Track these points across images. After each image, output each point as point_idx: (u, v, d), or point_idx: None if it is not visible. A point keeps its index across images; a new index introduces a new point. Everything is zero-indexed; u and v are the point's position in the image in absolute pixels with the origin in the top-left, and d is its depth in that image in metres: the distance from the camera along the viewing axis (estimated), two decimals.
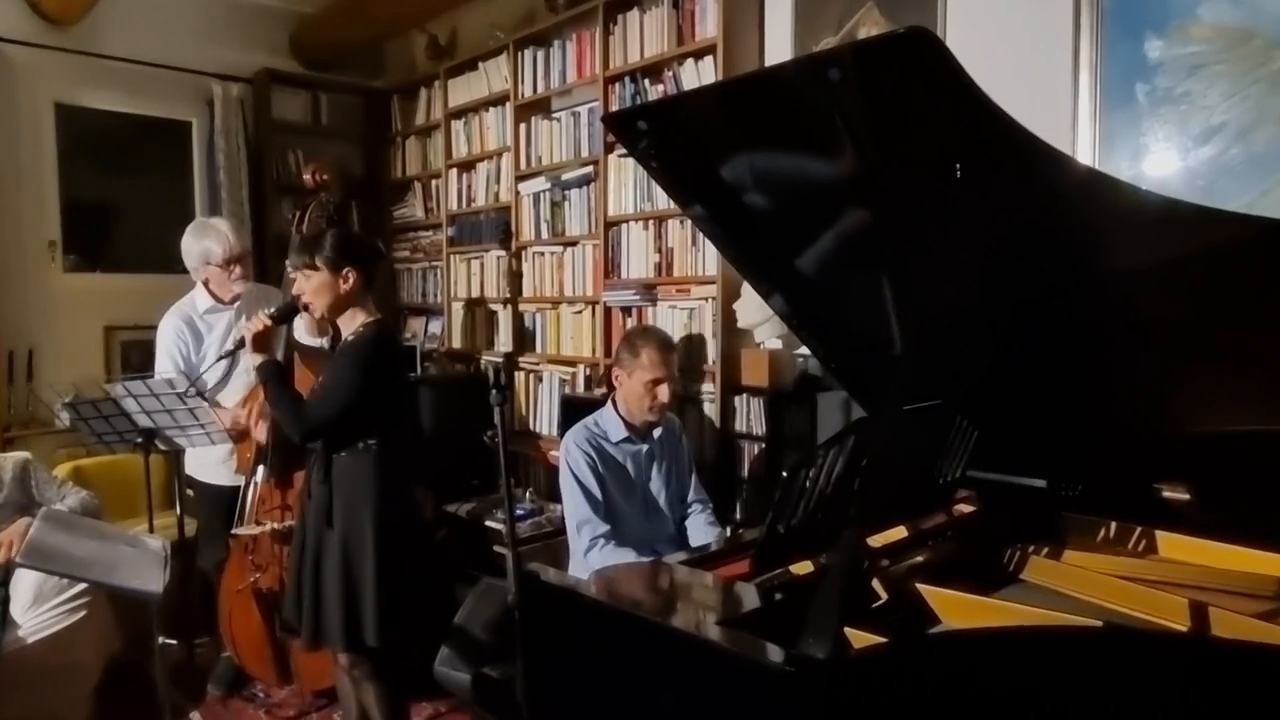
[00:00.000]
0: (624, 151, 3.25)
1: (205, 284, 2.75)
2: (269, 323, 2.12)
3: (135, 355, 3.97)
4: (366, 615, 2.03)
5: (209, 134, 4.32)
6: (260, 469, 2.55)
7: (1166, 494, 1.55)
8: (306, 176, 2.88)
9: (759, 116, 1.37)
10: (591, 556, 2.14)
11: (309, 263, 2.07)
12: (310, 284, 2.07)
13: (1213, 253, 1.16)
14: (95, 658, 2.47)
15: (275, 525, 2.51)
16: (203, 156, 4.37)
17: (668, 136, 1.45)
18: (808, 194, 1.53)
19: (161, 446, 2.49)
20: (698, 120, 1.46)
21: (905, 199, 1.38)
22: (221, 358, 2.41)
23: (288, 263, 2.14)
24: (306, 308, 2.09)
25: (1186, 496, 1.54)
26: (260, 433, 2.53)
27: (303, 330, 2.65)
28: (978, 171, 1.22)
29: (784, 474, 1.30)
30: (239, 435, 2.57)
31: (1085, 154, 2.21)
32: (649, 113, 1.50)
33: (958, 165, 1.24)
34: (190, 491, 2.81)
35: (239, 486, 2.64)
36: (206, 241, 2.70)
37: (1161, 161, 2.15)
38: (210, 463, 2.73)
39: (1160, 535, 1.60)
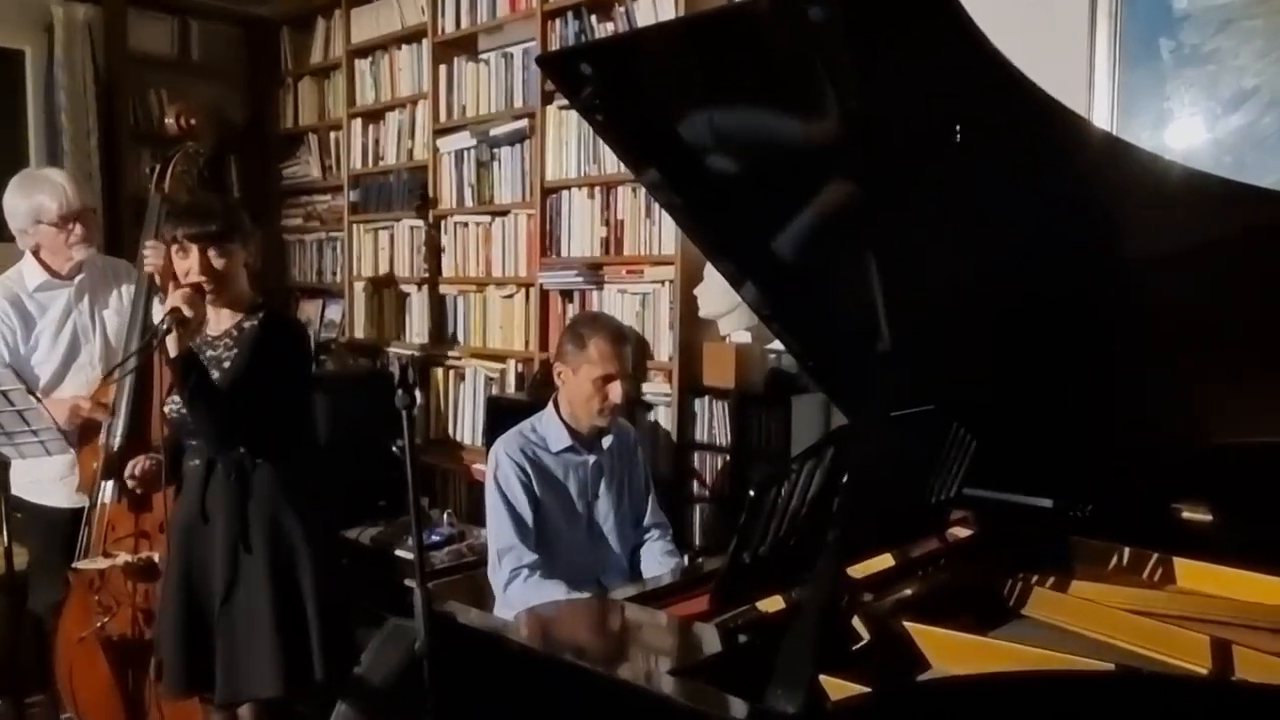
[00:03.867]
0: (565, 102, 3.24)
1: (36, 253, 2.66)
2: (198, 305, 2.02)
3: None
4: (312, 647, 2.04)
5: (47, 67, 4.16)
6: (107, 486, 2.48)
7: (1187, 515, 1.61)
8: (169, 120, 2.80)
9: (727, 62, 1.37)
10: (513, 590, 2.15)
11: (226, 234, 2.05)
12: (228, 262, 2.07)
13: (1244, 237, 1.20)
14: None
15: (129, 557, 2.44)
16: (39, 95, 4.21)
17: (617, 84, 1.45)
18: (784, 159, 1.54)
19: None
20: (653, 65, 1.46)
21: (897, 167, 1.41)
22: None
23: (179, 233, 2.05)
24: (206, 290, 2.04)
25: (1209, 518, 1.60)
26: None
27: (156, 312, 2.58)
28: (981, 135, 1.25)
29: (750, 493, 1.31)
30: (80, 435, 2.50)
31: (1102, 117, 2.27)
32: (594, 55, 1.51)
33: (958, 128, 1.26)
34: (19, 515, 2.71)
35: (81, 509, 2.56)
36: (38, 196, 2.61)
37: (1186, 130, 2.22)
38: (44, 479, 2.64)
39: (1180, 563, 1.65)
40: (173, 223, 2.10)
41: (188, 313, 1.96)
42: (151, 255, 2.42)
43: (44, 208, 2.61)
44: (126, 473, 2.42)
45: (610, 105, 1.48)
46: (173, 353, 1.95)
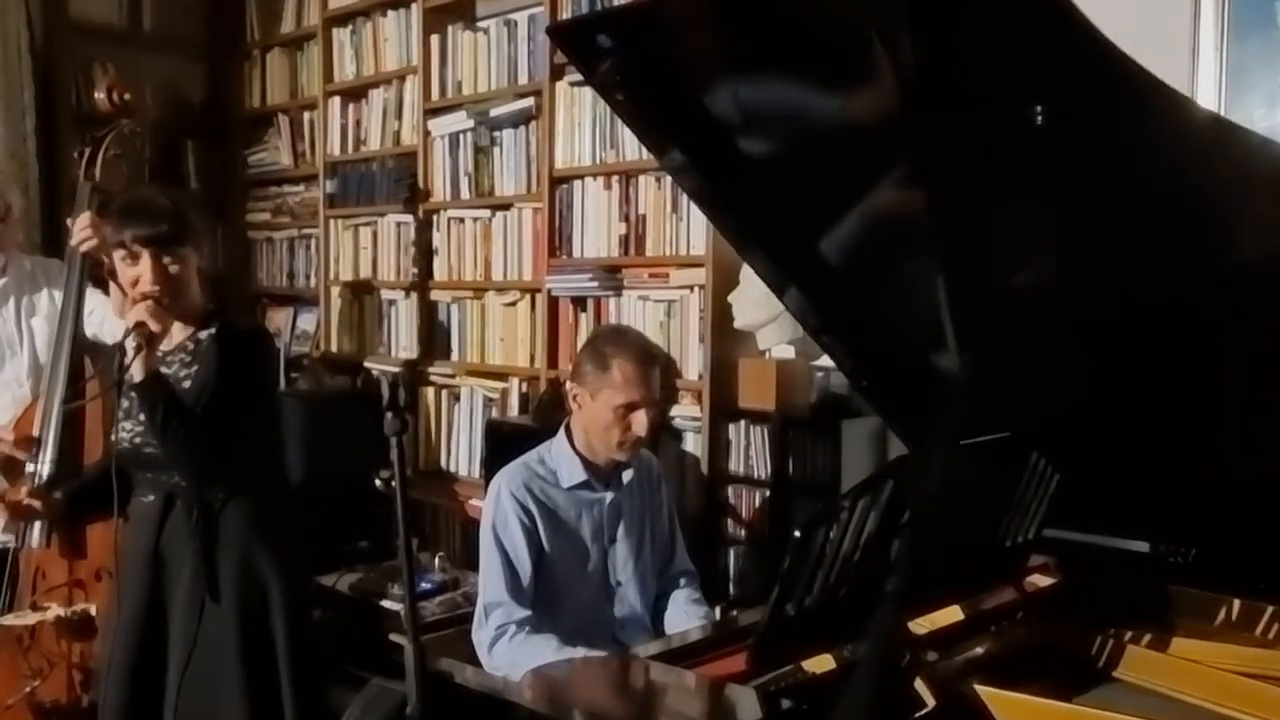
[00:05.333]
0: (578, 78, 3.27)
1: None
2: (163, 318, 2.03)
3: None
4: (284, 712, 2.07)
5: None
6: (35, 527, 2.51)
7: None
8: (99, 96, 2.83)
9: (768, 31, 1.39)
10: (498, 650, 2.17)
11: (179, 236, 2.06)
12: (184, 268, 2.08)
13: None
14: None
15: (61, 611, 2.46)
16: None
17: (641, 58, 1.47)
18: (833, 141, 1.56)
19: None
20: (683, 35, 1.48)
21: (967, 154, 1.42)
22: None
23: (126, 236, 2.04)
24: (163, 301, 2.03)
25: None
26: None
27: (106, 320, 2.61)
28: (1065, 117, 1.26)
29: (795, 534, 1.32)
30: (3, 467, 2.53)
31: (1207, 95, 2.28)
32: (615, 24, 1.53)
33: (1039, 109, 1.28)
34: None
35: (6, 550, 2.59)
36: None
37: None
38: None
39: None
40: (118, 223, 2.10)
41: (155, 328, 1.98)
42: (81, 231, 2.42)
43: None
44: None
45: (633, 82, 1.49)
46: (138, 376, 1.97)
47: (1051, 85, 1.26)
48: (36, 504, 2.34)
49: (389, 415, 1.37)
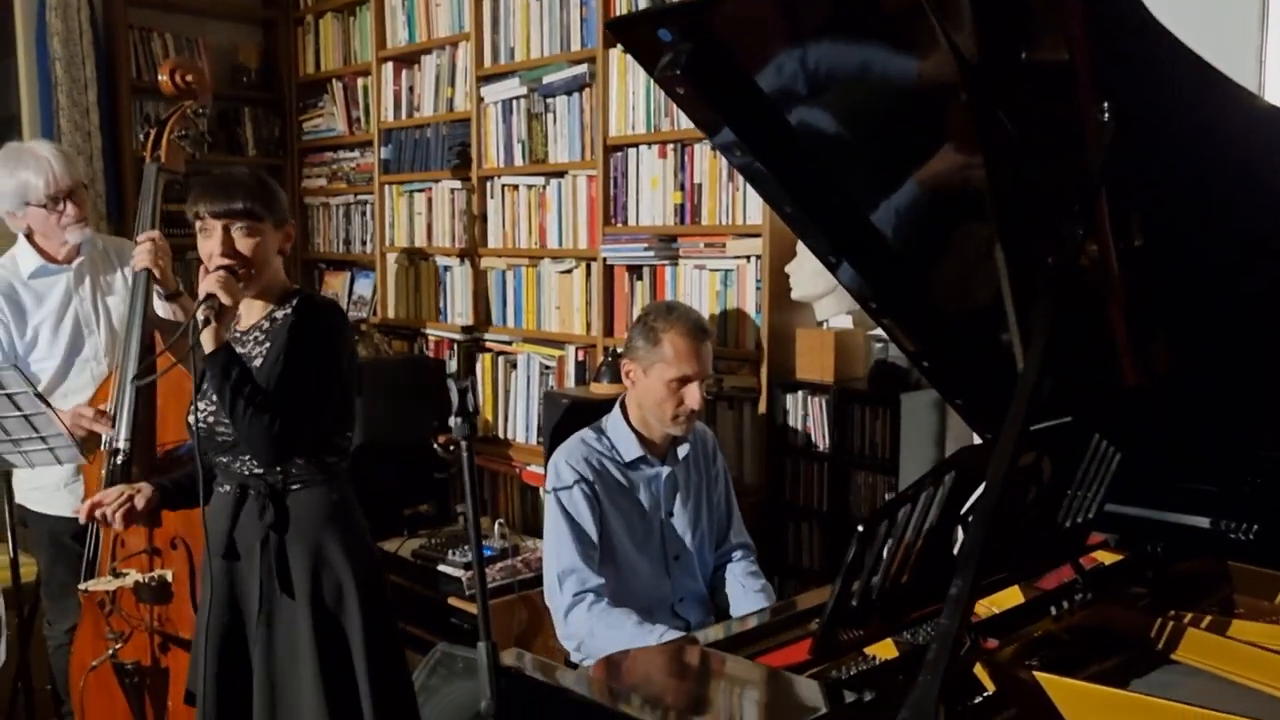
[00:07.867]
0: None
1: (29, 236, 2.78)
2: (235, 290, 2.03)
3: None
4: (361, 701, 2.11)
5: (39, 12, 4.32)
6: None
7: None
8: (163, 79, 2.87)
9: (828, 19, 1.41)
10: (575, 617, 2.22)
11: (253, 211, 2.07)
12: (258, 244, 2.08)
13: None
14: None
15: (139, 577, 2.55)
16: (30, 44, 4.37)
17: (703, 50, 1.48)
18: (895, 130, 1.58)
19: None
20: (743, 26, 1.50)
21: (1026, 141, 1.43)
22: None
23: (201, 209, 2.06)
24: (238, 274, 2.05)
25: None
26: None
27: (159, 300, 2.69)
28: (1130, 110, 1.27)
29: (859, 528, 1.35)
30: (83, 445, 2.62)
31: (1275, 88, 2.25)
32: (675, 15, 1.52)
33: (1105, 104, 1.29)
34: (25, 526, 2.87)
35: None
36: (23, 173, 2.70)
37: None
38: (47, 485, 2.78)
39: None
40: (194, 198, 2.11)
41: (225, 300, 1.99)
42: (142, 251, 2.48)
43: (30, 186, 2.70)
44: (111, 504, 2.26)
45: (695, 75, 1.50)
46: (209, 348, 1.99)
47: (1116, 80, 1.27)
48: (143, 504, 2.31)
49: (458, 420, 1.38)
